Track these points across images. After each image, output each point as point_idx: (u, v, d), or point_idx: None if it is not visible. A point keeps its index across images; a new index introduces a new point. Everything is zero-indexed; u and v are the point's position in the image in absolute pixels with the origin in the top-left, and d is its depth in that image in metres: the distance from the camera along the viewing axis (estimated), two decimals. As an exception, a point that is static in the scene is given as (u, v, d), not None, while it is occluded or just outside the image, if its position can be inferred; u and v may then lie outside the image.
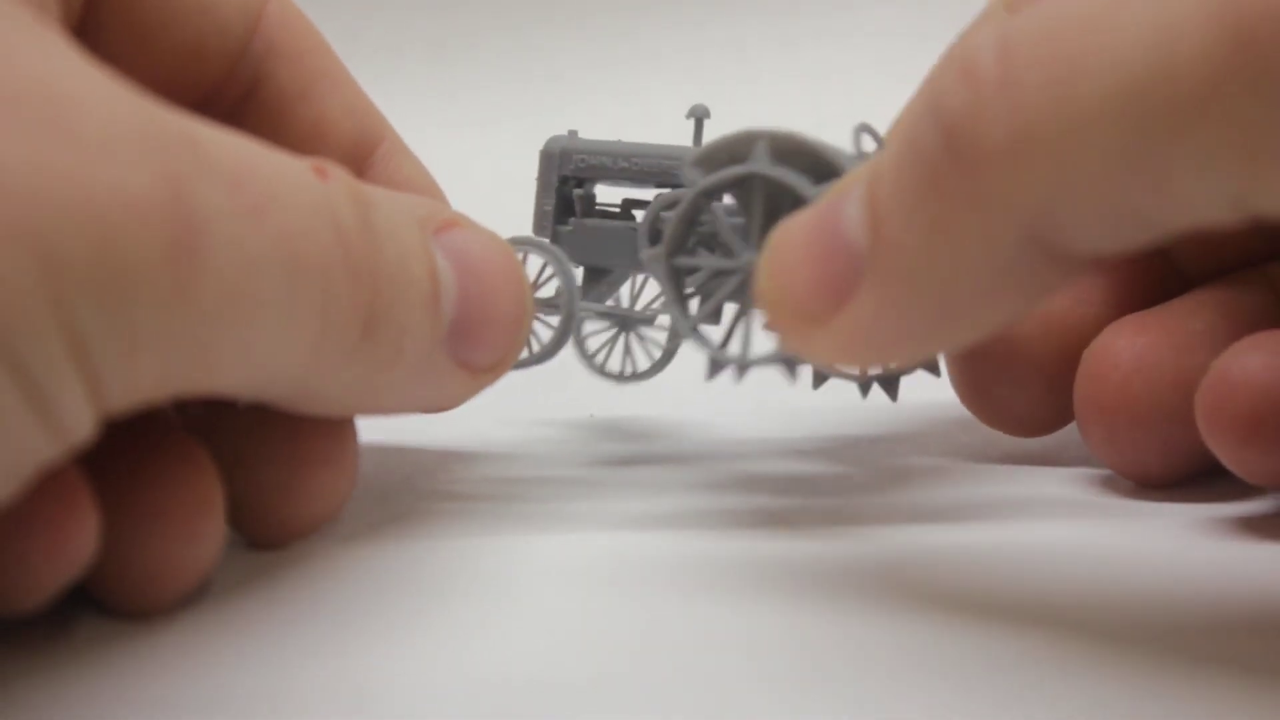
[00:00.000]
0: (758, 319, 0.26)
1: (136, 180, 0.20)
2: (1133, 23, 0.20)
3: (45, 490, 0.22)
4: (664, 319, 0.34)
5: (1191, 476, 0.31)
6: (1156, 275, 0.33)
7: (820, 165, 0.27)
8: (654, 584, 0.27)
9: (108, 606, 0.25)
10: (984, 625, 0.25)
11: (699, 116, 0.32)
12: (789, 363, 0.28)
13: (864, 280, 0.24)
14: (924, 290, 0.23)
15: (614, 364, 0.35)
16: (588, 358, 0.35)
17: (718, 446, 0.36)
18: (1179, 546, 0.28)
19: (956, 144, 0.22)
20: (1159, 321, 0.30)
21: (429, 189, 0.33)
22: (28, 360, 0.20)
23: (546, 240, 0.33)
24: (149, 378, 0.21)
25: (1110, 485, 0.32)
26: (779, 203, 0.27)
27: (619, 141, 0.33)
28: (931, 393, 0.33)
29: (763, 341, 0.27)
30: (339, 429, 0.27)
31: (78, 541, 0.23)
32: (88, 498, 0.23)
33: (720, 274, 0.28)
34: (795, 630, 0.25)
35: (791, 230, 0.25)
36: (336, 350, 0.24)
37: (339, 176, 0.24)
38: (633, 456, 0.35)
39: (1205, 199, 0.21)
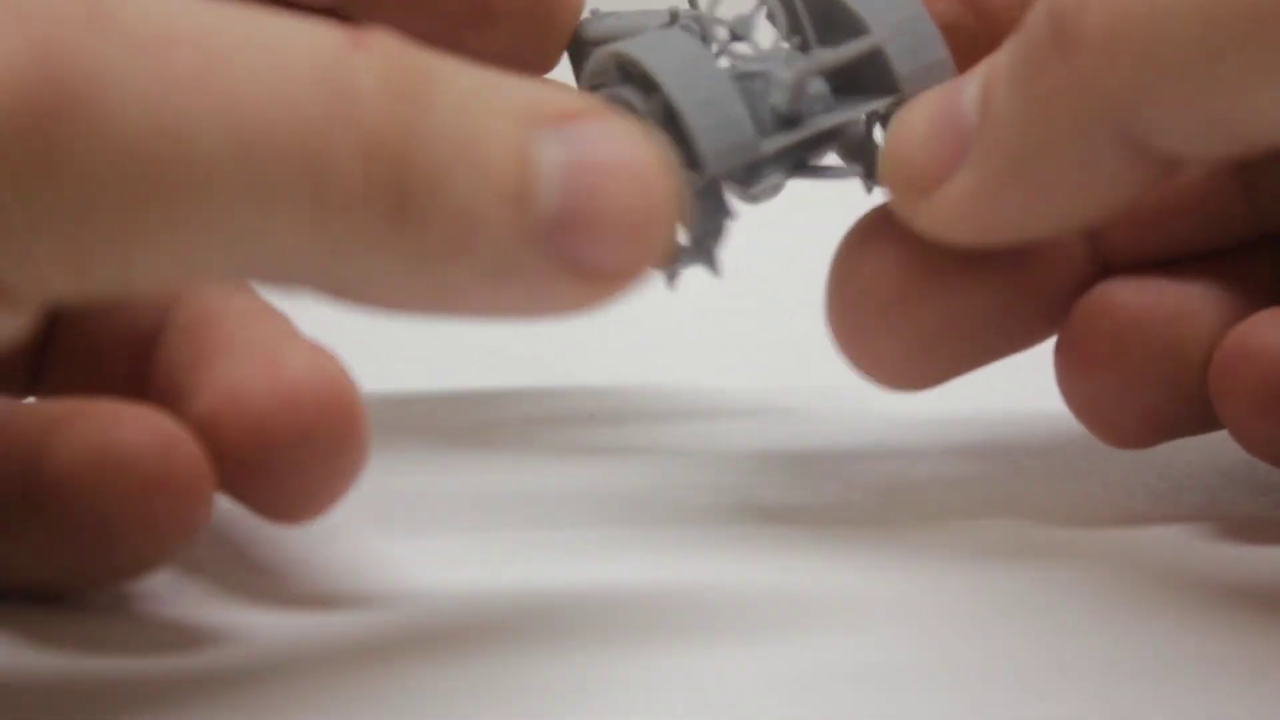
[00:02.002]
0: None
1: None
2: None
3: (162, 454, 0.24)
4: None
5: (1165, 439, 0.30)
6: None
7: None
8: (659, 591, 0.27)
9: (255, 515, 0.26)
10: (985, 627, 0.25)
11: None
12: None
13: (969, 153, 0.25)
14: (1017, 169, 0.25)
15: None
16: None
17: (720, 448, 0.36)
18: (1186, 550, 0.28)
19: (1060, 30, 0.23)
20: (1155, 284, 0.29)
21: None
22: None
23: None
24: (61, 264, 0.20)
25: (1119, 491, 0.31)
26: None
27: None
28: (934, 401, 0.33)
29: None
30: (337, 393, 0.25)
31: (197, 505, 0.24)
32: (204, 459, 0.24)
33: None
34: (798, 631, 0.25)
35: (920, 103, 0.27)
36: (357, 236, 0.22)
37: (383, 43, 0.22)
38: (632, 461, 0.35)
39: None
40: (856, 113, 0.28)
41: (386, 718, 0.22)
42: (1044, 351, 0.30)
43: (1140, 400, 0.29)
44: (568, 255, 0.23)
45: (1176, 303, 0.29)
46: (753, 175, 0.28)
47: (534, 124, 0.23)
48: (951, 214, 0.26)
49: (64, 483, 0.24)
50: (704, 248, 0.29)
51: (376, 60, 0.22)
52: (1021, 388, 0.33)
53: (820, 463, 0.34)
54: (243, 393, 0.25)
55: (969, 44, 0.30)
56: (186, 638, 0.25)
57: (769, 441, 0.36)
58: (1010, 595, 0.26)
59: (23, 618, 0.25)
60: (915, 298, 0.29)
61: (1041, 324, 0.30)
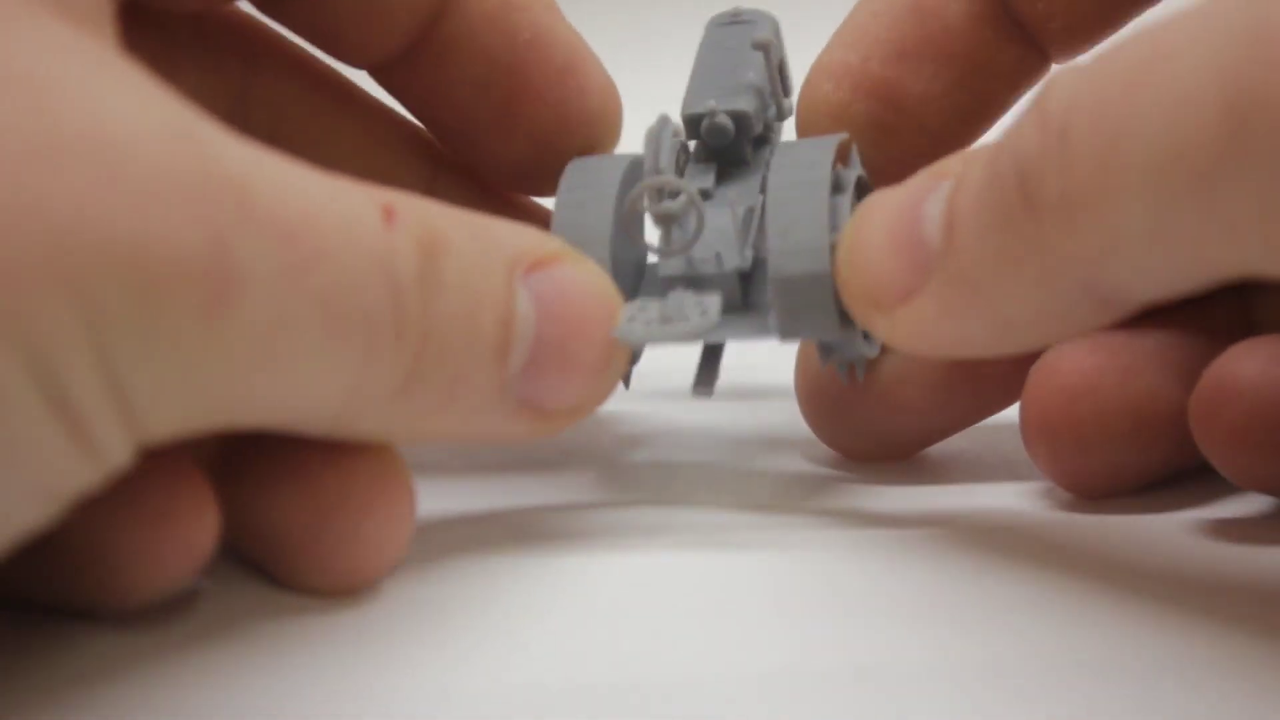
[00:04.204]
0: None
1: (179, 232, 0.21)
2: (1157, 92, 0.21)
3: (168, 485, 0.24)
4: None
5: (1136, 489, 0.31)
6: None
7: None
8: (668, 594, 0.27)
9: (303, 588, 0.26)
10: (984, 626, 0.25)
11: None
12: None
13: (931, 281, 0.25)
14: (982, 306, 0.25)
15: None
16: None
17: (720, 448, 0.36)
18: (1158, 548, 0.28)
19: (1025, 188, 0.23)
20: (1108, 342, 0.30)
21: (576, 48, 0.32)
22: (70, 395, 0.21)
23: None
24: (178, 414, 0.22)
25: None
26: None
27: None
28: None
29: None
30: (389, 470, 0.26)
31: (200, 535, 0.24)
32: (209, 492, 0.24)
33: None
34: (798, 633, 0.25)
35: (876, 210, 0.26)
36: (375, 398, 0.24)
37: (410, 220, 0.24)
38: (635, 463, 0.35)
39: (1238, 259, 0.22)
40: (723, 337, 0.29)
41: (386, 712, 0.23)
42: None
43: (1098, 459, 0.30)
44: (531, 397, 0.26)
45: (1127, 361, 0.30)
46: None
47: (517, 275, 0.26)
48: (914, 333, 0.26)
49: (70, 510, 0.24)
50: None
51: (409, 237, 0.24)
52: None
53: (819, 461, 0.34)
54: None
55: (888, 138, 0.32)
56: (190, 627, 0.25)
57: (768, 438, 0.36)
58: (1010, 595, 0.26)
59: (27, 623, 0.25)
60: (860, 393, 0.32)
61: (996, 397, 0.32)
